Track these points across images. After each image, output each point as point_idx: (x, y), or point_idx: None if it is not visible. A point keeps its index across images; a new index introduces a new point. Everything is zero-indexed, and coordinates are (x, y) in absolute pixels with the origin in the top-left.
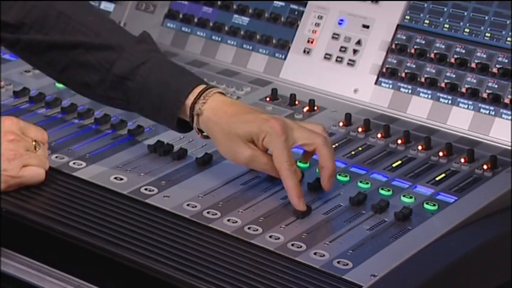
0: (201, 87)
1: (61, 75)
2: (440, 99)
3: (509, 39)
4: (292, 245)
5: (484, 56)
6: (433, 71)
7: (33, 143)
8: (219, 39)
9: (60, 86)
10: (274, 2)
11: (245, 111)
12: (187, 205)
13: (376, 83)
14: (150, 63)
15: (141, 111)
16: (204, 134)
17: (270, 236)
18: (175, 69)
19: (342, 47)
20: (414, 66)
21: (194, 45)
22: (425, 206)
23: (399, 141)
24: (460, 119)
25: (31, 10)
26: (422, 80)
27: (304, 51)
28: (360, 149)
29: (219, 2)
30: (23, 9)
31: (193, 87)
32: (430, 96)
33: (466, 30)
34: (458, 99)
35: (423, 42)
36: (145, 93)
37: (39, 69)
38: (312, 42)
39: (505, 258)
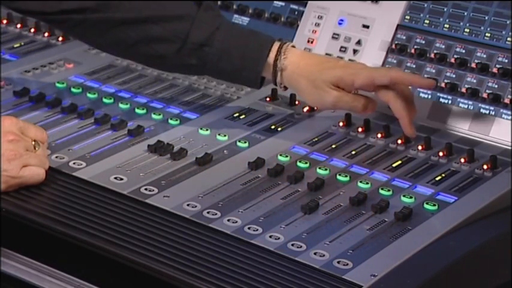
0: (277, 44)
1: (129, 52)
2: (440, 99)
3: (509, 39)
4: (292, 245)
5: (484, 56)
6: (433, 71)
7: (33, 142)
8: None
9: (60, 86)
10: (274, 2)
11: (325, 60)
12: (187, 205)
13: None
14: (222, 27)
15: (219, 75)
16: (283, 85)
17: (270, 236)
18: (246, 31)
19: (342, 47)
20: (414, 66)
21: None
22: (425, 206)
23: (399, 141)
24: (460, 119)
25: None
26: None
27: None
28: (360, 149)
29: (219, 2)
30: None
31: (271, 44)
32: (430, 96)
33: (466, 30)
34: (458, 99)
35: (423, 42)
36: (226, 56)
37: (101, 49)
38: (312, 42)
39: (505, 258)
